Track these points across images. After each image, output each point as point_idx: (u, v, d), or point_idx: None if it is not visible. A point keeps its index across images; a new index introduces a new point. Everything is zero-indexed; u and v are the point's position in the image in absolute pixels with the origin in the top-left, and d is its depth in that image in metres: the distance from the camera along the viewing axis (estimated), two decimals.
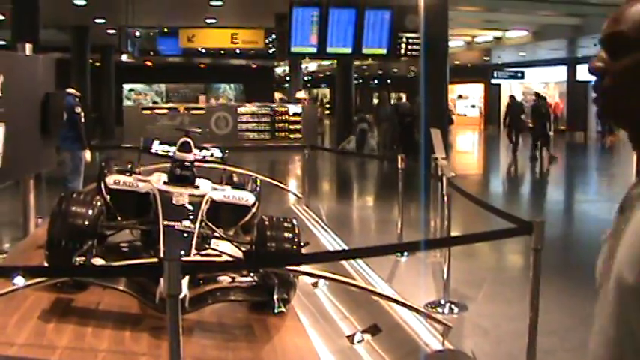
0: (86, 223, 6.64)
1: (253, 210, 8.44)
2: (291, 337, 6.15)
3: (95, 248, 6.71)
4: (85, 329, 5.82)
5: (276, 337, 6.10)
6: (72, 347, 5.44)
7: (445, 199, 8.47)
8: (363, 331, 6.36)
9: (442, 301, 8.07)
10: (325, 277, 6.84)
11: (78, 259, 6.21)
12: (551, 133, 25.43)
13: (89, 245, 6.58)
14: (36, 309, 6.14)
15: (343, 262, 8.73)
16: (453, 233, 8.81)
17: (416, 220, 12.65)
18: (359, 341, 6.23)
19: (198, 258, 6.67)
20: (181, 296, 5.69)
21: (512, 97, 31.48)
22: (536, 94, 29.69)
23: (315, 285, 7.65)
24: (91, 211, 6.76)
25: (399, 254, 10.33)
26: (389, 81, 60.31)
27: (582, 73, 39.37)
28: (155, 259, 6.19)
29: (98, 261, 6.27)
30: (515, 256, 11.01)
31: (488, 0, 24.54)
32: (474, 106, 51.92)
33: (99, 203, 7.05)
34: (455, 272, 8.24)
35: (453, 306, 8.02)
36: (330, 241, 9.86)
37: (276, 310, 6.37)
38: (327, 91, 64.44)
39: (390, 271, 9.23)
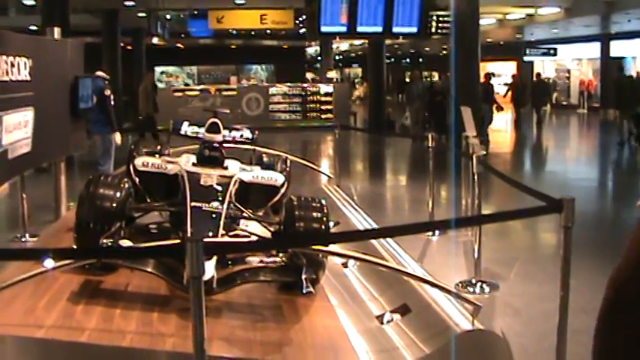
0: (114, 205, 6.63)
1: (283, 190, 8.39)
2: (320, 318, 6.11)
3: (123, 230, 6.71)
4: (113, 311, 5.82)
5: (305, 318, 6.07)
6: (100, 329, 5.43)
7: (475, 177, 8.38)
8: (392, 312, 6.31)
9: (473, 281, 7.99)
10: (354, 258, 6.80)
11: (105, 240, 6.21)
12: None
13: (117, 227, 6.57)
14: (65, 291, 6.15)
15: (374, 241, 8.67)
16: (484, 212, 8.69)
17: (447, 198, 12.59)
18: (388, 322, 6.17)
19: (226, 239, 6.65)
20: (208, 277, 5.69)
21: (514, 76, 31.91)
22: (538, 74, 30.58)
23: (344, 265, 7.60)
24: (118, 193, 6.75)
25: (430, 233, 10.27)
26: (420, 60, 60.01)
27: (616, 49, 38.89)
28: (178, 241, 6.18)
29: (125, 243, 6.25)
30: (548, 234, 10.89)
31: None
32: (506, 84, 51.45)
33: (127, 185, 7.03)
34: (486, 251, 8.17)
35: (484, 285, 7.94)
36: (361, 221, 9.80)
37: (304, 291, 6.33)
38: (359, 70, 64.21)
39: (421, 250, 9.17)
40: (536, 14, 32.91)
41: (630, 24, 32.11)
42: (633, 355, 2.05)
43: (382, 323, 6.19)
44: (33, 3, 24.93)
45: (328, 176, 13.46)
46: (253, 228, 7.41)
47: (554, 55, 44.98)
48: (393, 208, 14.28)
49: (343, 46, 52.83)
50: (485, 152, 8.90)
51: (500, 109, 24.59)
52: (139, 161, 8.23)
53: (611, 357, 2.12)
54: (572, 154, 24.44)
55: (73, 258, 5.62)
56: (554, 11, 31.27)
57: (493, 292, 7.89)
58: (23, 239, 10.25)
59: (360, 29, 19.57)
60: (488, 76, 25.60)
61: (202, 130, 8.72)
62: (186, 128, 9.49)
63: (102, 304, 5.95)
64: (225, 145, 8.63)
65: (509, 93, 32.47)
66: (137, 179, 8.18)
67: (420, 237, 10.17)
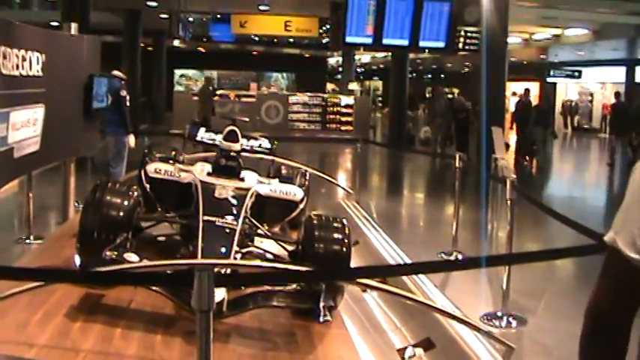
0: (121, 214, 6.18)
1: (301, 206, 8.03)
2: (336, 348, 5.65)
3: (129, 241, 6.25)
4: (113, 330, 5.36)
5: (319, 347, 5.60)
6: (97, 351, 4.98)
7: (508, 203, 7.86)
8: (414, 346, 5.84)
9: (499, 314, 7.49)
10: (375, 288, 6.29)
11: (109, 253, 5.73)
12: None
13: (123, 238, 6.12)
14: (63, 305, 5.70)
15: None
16: (515, 241, 8.10)
17: (470, 220, 12.08)
18: (410, 357, 5.71)
19: (239, 257, 6.20)
20: (219, 300, 5.24)
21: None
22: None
23: (364, 290, 7.12)
24: (126, 202, 6.30)
25: (452, 258, 9.83)
26: (442, 76, 59.60)
27: None
28: (186, 265, 5.70)
29: (131, 257, 5.78)
30: (578, 264, 10.36)
31: None
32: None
33: (135, 193, 6.57)
34: (512, 281, 7.64)
35: (511, 319, 7.44)
36: (381, 242, 9.37)
37: (321, 320, 5.86)
38: (380, 83, 63.82)
39: (443, 277, 8.65)
40: (563, 35, 32.42)
41: None
42: None
43: (403, 358, 5.72)
44: None
45: (348, 191, 13.00)
46: (268, 246, 6.98)
47: (579, 77, 44.37)
48: (414, 227, 13.78)
49: (365, 58, 52.47)
50: (514, 176, 8.35)
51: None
52: (151, 167, 7.87)
53: None
54: (588, 178, 23.89)
55: (65, 280, 5.13)
56: (581, 33, 30.79)
57: (521, 327, 7.37)
58: (28, 241, 9.84)
59: (385, 41, 19.21)
60: (546, 97, 25.05)
61: (219, 137, 8.32)
62: (202, 134, 9.15)
63: (101, 321, 5.50)
64: (242, 154, 8.24)
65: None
66: (148, 186, 7.81)
67: (442, 259, 9.76)
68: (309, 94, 32.16)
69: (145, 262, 5.63)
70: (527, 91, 25.15)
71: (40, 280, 4.80)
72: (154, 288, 5.44)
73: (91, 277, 4.70)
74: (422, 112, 32.30)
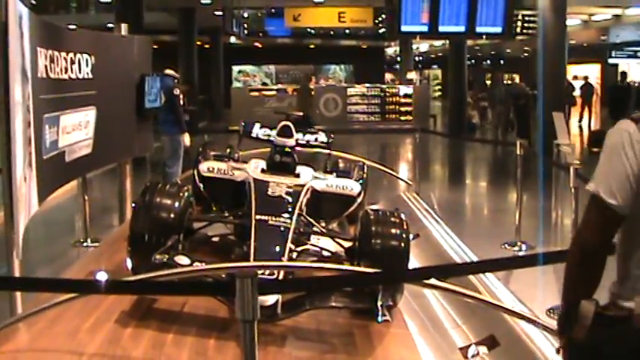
0: (171, 216, 6.07)
1: (359, 200, 7.85)
2: (396, 348, 5.45)
3: (181, 243, 6.12)
4: (164, 336, 5.23)
5: (379, 348, 5.41)
6: (148, 359, 4.84)
7: (572, 191, 7.58)
8: (477, 344, 5.62)
9: None
10: (435, 287, 6.05)
11: (159, 256, 5.58)
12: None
13: (175, 240, 6.00)
14: (115, 310, 5.59)
15: (457, 258, 8.02)
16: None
17: (534, 210, 11.76)
18: (473, 356, 5.49)
19: (294, 256, 6.05)
20: (273, 302, 5.09)
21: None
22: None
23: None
24: (176, 203, 6.17)
25: (516, 249, 9.56)
26: (501, 62, 58.84)
27: None
28: (233, 268, 5.53)
29: (182, 259, 5.63)
30: None
31: None
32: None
33: (186, 194, 6.43)
34: None
35: None
36: (442, 234, 9.13)
37: (380, 320, 5.66)
38: (439, 72, 63.25)
39: None
40: (624, 14, 31.68)
41: None
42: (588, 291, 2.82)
43: (466, 357, 5.50)
44: (109, 0, 24.77)
45: (407, 183, 12.77)
46: (325, 243, 6.80)
47: None
48: (475, 218, 13.50)
49: (423, 46, 52.02)
50: (579, 162, 8.03)
51: None
52: (204, 166, 7.79)
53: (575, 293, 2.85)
54: None
55: (103, 292, 5.00)
56: None
57: None
58: (85, 244, 9.80)
59: (442, 29, 18.88)
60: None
61: (274, 133, 8.20)
62: (257, 131, 9.08)
63: (153, 327, 5.37)
64: (298, 148, 8.11)
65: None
66: (202, 185, 7.71)
67: (506, 250, 9.49)
68: (367, 85, 31.90)
69: (195, 267, 5.49)
70: (624, 73, 24.49)
71: (79, 293, 4.67)
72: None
73: (128, 287, 4.54)
74: (470, 99, 31.79)
